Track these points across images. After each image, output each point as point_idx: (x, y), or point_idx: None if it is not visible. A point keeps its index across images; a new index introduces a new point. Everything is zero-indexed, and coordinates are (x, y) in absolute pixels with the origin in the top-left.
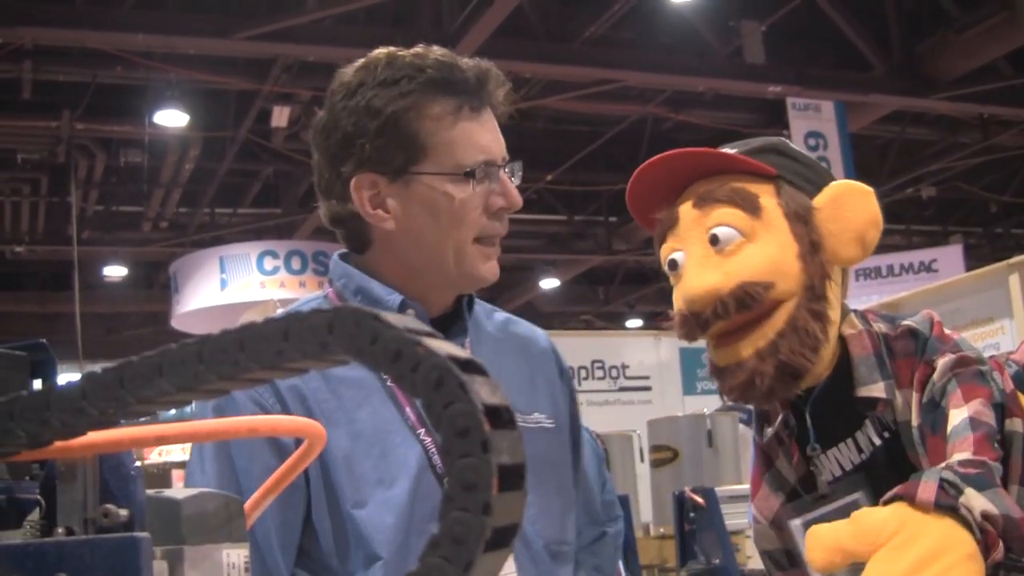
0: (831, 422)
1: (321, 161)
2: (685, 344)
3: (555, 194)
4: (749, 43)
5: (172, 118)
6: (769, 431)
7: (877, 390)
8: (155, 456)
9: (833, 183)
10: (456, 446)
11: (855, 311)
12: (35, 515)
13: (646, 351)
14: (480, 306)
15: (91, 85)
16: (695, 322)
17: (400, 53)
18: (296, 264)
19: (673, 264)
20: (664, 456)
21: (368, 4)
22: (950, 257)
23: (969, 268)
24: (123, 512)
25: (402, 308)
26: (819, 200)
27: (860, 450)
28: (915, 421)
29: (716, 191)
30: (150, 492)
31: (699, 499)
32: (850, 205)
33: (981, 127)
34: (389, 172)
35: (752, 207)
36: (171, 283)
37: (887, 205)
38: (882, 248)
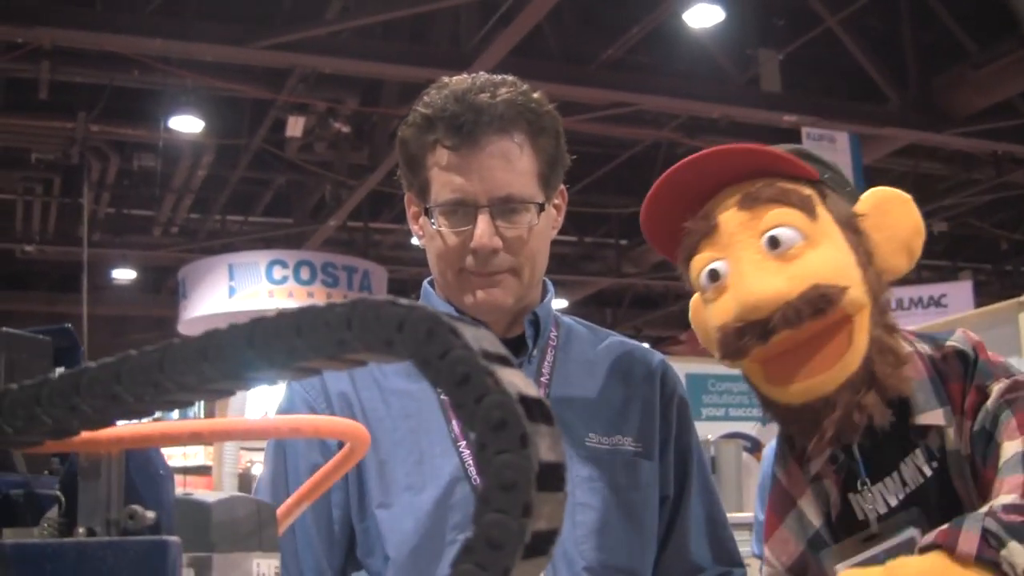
0: (877, 454)
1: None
2: (691, 369)
3: (566, 215)
4: (766, 72)
5: (187, 124)
6: (810, 467)
7: (935, 417)
8: None
9: (871, 190)
10: (492, 441)
11: None
12: (54, 513)
13: None
14: (590, 331)
15: (107, 88)
16: (757, 331)
17: (434, 85)
18: (305, 274)
19: (714, 275)
20: None
21: (386, 18)
22: (959, 293)
23: (978, 305)
24: (150, 515)
25: None
26: (861, 207)
27: (904, 483)
28: (965, 451)
29: (764, 191)
30: (178, 493)
31: None
32: (894, 213)
33: (994, 164)
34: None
35: (809, 209)
36: (179, 288)
37: None
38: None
